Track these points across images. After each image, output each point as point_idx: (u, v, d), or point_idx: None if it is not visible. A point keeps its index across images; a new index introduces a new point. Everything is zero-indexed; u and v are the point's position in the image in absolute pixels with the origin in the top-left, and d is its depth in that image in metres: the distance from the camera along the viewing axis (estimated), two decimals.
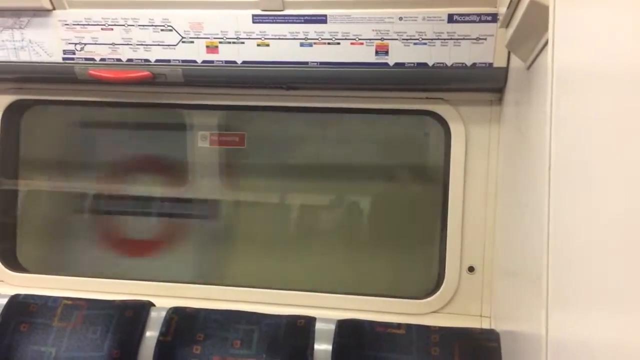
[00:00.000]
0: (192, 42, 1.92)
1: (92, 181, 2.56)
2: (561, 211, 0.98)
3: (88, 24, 1.96)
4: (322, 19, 1.84)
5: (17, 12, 1.98)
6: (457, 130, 1.99)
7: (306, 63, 1.89)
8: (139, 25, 1.93)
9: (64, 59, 2.00)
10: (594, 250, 0.80)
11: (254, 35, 1.88)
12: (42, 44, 2.00)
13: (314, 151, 2.46)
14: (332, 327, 1.90)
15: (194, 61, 1.94)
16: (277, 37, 1.88)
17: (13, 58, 2.02)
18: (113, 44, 1.96)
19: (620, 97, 0.72)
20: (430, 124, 2.09)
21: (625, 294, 0.67)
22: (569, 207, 0.93)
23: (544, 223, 1.04)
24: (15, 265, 2.32)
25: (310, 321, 1.93)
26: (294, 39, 1.87)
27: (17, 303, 2.03)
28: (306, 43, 1.87)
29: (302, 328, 1.92)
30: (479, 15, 1.78)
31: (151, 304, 2.05)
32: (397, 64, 1.85)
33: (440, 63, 1.83)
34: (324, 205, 2.46)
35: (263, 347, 1.88)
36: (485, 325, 1.99)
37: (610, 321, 0.73)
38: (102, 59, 1.98)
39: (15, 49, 2.01)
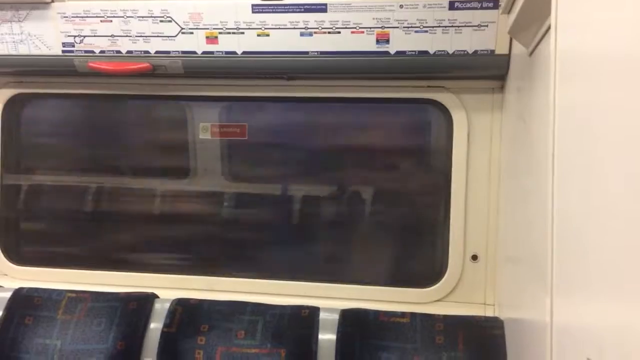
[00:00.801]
0: (192, 33, 1.91)
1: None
2: (565, 198, 0.97)
3: (87, 16, 1.95)
4: (322, 8, 1.83)
5: (15, 5, 1.97)
6: (459, 118, 1.98)
7: (306, 53, 1.88)
8: (138, 17, 1.92)
9: (63, 51, 2.00)
10: (598, 236, 0.79)
11: (253, 25, 1.87)
12: (41, 36, 1.99)
13: (316, 140, 2.44)
14: (336, 316, 1.91)
15: (194, 52, 1.93)
16: (277, 26, 1.86)
17: (12, 51, 2.02)
18: (112, 35, 1.95)
19: (624, 83, 0.71)
20: (432, 112, 2.08)
21: (629, 280, 0.67)
22: (573, 194, 0.92)
23: (548, 210, 1.04)
24: (18, 258, 2.33)
25: (314, 311, 1.94)
26: (294, 28, 1.86)
27: (22, 296, 2.04)
28: (306, 32, 1.86)
29: (306, 318, 1.92)
30: (480, 1, 1.76)
31: (155, 296, 2.05)
32: (398, 53, 1.84)
33: (442, 51, 1.82)
34: (325, 195, 2.45)
35: (267, 337, 1.88)
36: (489, 313, 1.99)
37: (614, 307, 0.73)
38: (101, 51, 1.98)
39: (14, 42, 2.00)
